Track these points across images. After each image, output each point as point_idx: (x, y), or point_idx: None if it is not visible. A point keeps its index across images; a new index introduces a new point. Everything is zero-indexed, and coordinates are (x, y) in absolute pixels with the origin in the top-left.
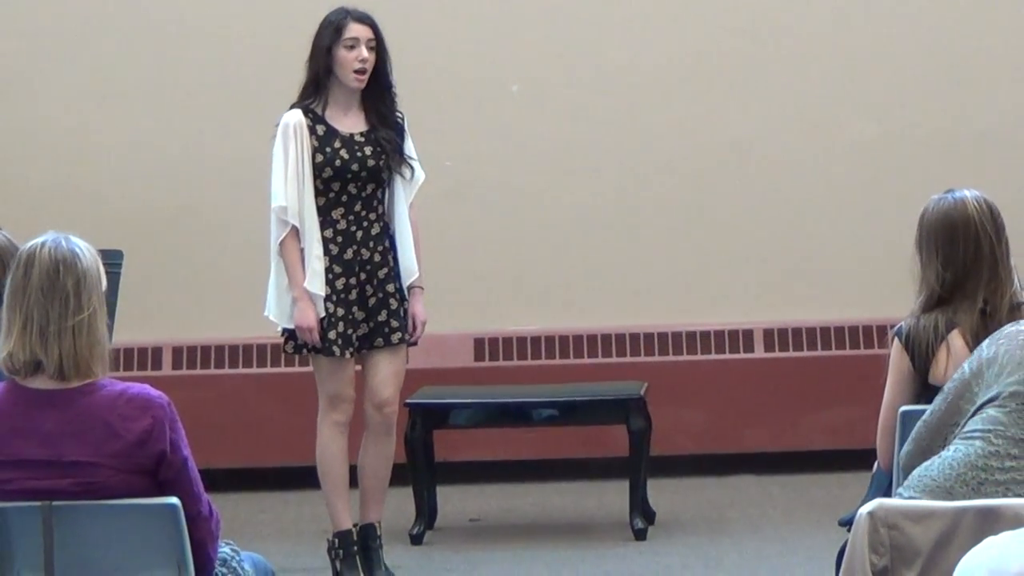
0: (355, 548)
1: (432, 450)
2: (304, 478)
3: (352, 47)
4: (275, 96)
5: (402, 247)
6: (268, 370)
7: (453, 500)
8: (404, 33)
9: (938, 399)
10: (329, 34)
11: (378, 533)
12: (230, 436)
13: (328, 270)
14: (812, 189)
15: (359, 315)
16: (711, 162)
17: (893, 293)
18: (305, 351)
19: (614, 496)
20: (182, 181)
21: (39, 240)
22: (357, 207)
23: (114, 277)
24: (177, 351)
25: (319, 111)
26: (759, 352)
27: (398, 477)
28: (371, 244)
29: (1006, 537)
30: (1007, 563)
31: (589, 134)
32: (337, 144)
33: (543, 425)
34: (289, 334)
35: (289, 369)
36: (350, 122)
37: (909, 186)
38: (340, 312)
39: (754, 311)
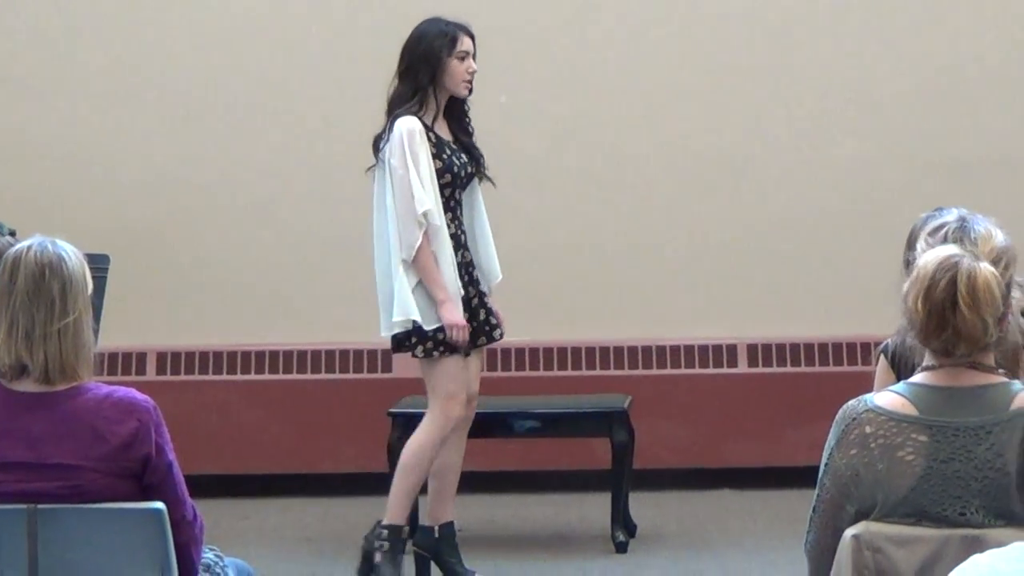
0: (404, 547)
1: None
2: (288, 485)
3: (464, 58)
4: (263, 107)
5: (487, 248)
6: (252, 377)
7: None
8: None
9: None
10: (443, 44)
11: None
12: (214, 442)
13: None
14: (798, 206)
15: (466, 316)
16: (697, 178)
17: (879, 310)
18: (437, 352)
19: (596, 509)
20: (170, 187)
21: (25, 244)
22: (459, 211)
23: (100, 281)
24: (162, 356)
25: (426, 120)
26: (743, 367)
27: (380, 486)
28: (468, 246)
29: (992, 555)
30: None
31: (575, 148)
32: (447, 152)
33: (526, 437)
34: (419, 336)
35: (273, 377)
36: (443, 131)
37: (896, 204)
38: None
39: (738, 326)
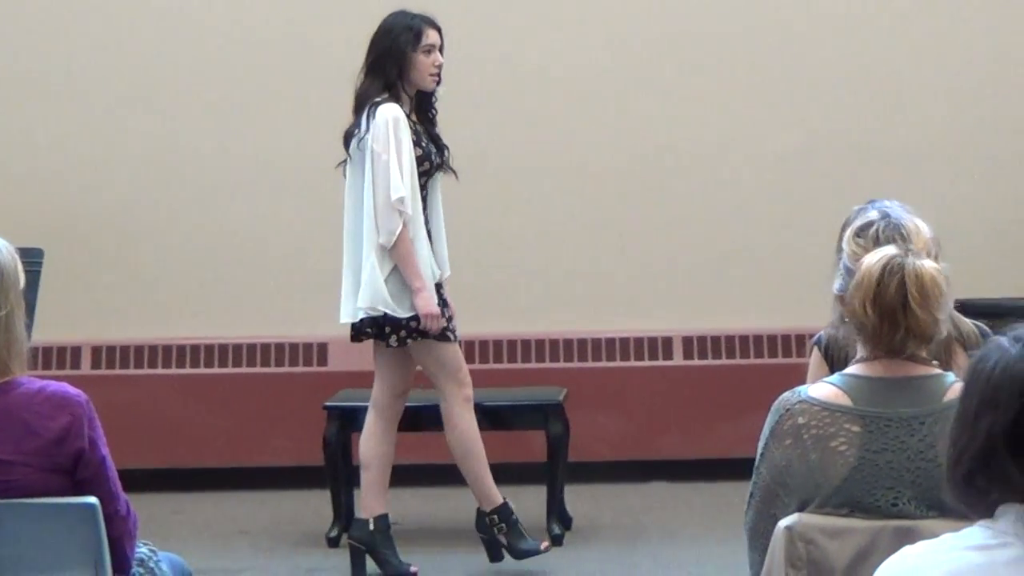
0: (515, 516)
1: (350, 453)
2: (223, 479)
3: (430, 52)
4: (197, 99)
5: (441, 243)
6: (187, 371)
7: None
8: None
9: None
10: (408, 39)
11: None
12: (148, 436)
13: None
14: (732, 198)
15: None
16: (632, 169)
17: (812, 302)
18: (410, 340)
19: (531, 501)
20: (103, 180)
21: None
22: (430, 200)
23: (33, 275)
24: (96, 351)
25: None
26: (678, 360)
27: (315, 480)
28: (431, 236)
29: (923, 546)
30: (924, 573)
31: (506, 139)
32: (425, 140)
33: None
34: (392, 325)
35: (208, 370)
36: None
37: (829, 196)
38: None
39: (673, 319)
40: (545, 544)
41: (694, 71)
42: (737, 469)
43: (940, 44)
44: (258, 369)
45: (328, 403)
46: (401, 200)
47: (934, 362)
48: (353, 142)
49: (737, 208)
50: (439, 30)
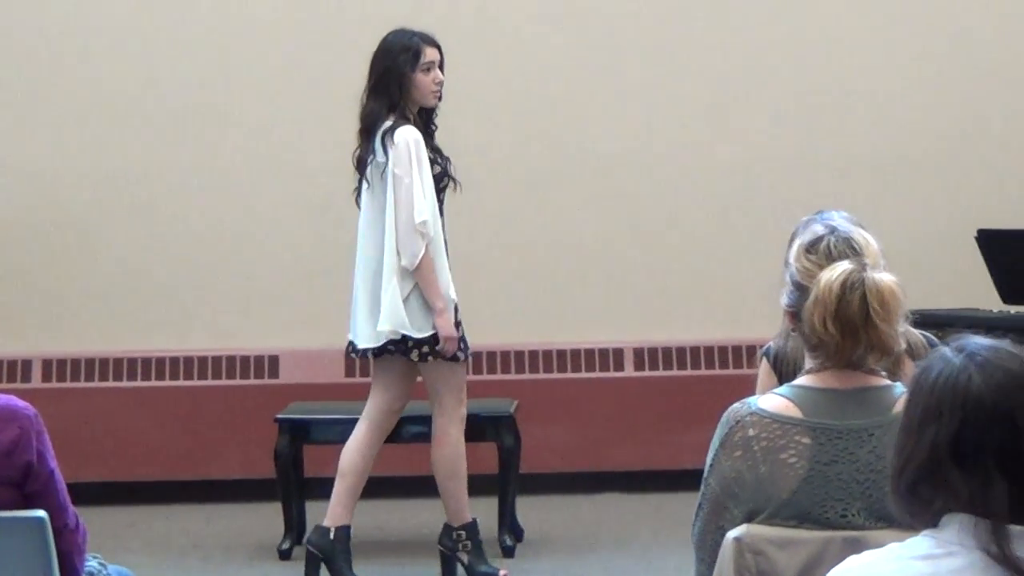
0: (480, 539)
1: (301, 465)
2: (174, 492)
3: (429, 69)
4: (146, 105)
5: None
6: (138, 384)
7: (322, 516)
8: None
9: None
10: (407, 59)
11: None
12: (99, 449)
13: None
14: (682, 209)
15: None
16: (580, 181)
17: (762, 314)
18: (431, 357)
19: (483, 513)
20: (52, 192)
21: None
22: (444, 218)
23: None
24: (47, 363)
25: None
26: (629, 371)
27: (267, 492)
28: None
29: (869, 556)
30: None
31: (456, 150)
32: (441, 158)
33: (412, 442)
34: (416, 341)
35: (159, 383)
36: None
37: (778, 207)
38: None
39: (624, 330)
40: (503, 573)
41: (643, 84)
42: (688, 480)
43: (885, 58)
44: (209, 382)
45: (280, 415)
46: (424, 223)
47: (882, 373)
48: (371, 168)
49: (687, 220)
50: (438, 47)
